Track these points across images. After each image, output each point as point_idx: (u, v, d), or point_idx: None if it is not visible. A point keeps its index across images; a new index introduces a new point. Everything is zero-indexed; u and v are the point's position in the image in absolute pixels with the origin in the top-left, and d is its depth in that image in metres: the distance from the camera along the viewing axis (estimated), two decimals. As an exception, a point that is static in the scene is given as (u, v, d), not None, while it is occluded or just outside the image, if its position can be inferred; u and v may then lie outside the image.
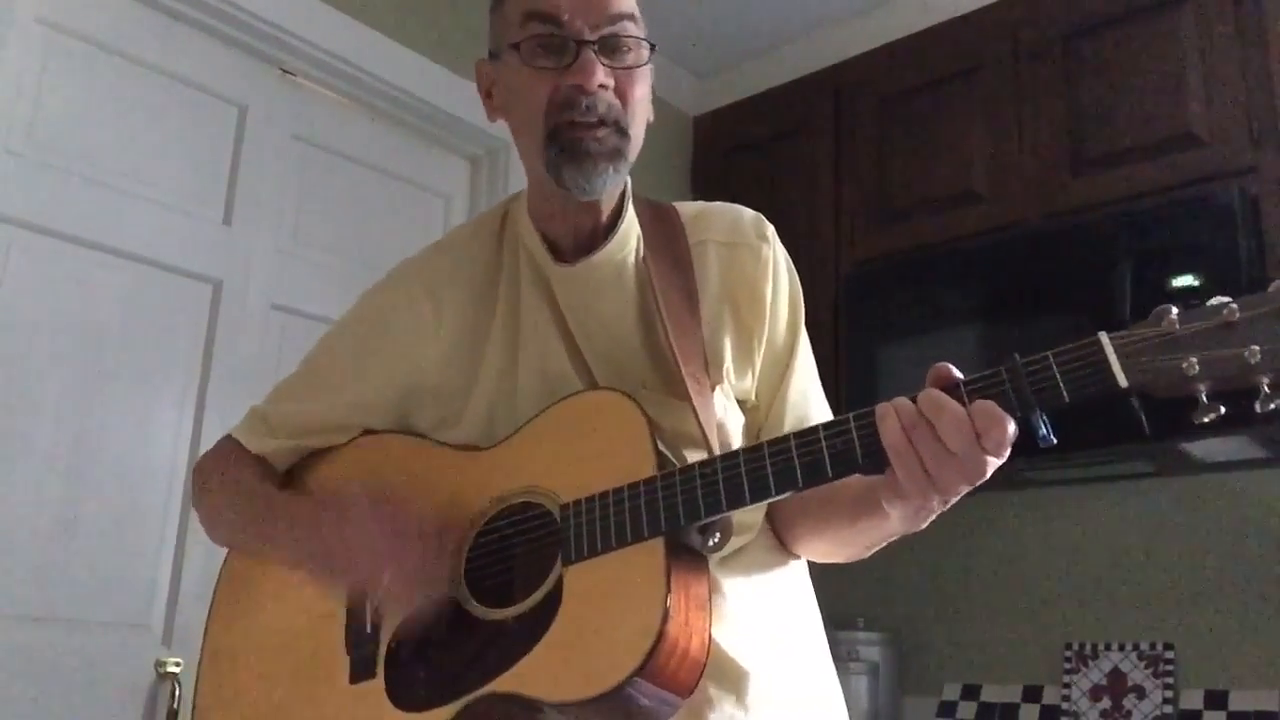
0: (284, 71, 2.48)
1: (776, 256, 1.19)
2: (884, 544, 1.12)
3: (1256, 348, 0.78)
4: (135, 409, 2.13)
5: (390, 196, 2.67)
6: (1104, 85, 2.45)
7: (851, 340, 2.63)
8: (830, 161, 2.89)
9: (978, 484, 0.88)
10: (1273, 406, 0.77)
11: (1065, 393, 0.83)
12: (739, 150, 3.17)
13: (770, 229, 1.21)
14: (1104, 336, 0.82)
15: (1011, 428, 0.84)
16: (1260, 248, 2.14)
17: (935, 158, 2.70)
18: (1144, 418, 2.06)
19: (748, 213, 1.23)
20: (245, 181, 2.37)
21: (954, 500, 0.91)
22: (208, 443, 2.15)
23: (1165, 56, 2.37)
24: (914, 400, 0.88)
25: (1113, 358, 0.82)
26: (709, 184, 3.19)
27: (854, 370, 2.59)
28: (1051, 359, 0.84)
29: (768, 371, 1.18)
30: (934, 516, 0.96)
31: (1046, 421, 0.84)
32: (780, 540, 1.19)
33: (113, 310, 2.12)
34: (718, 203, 1.25)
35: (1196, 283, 2.13)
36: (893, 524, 1.00)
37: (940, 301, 2.57)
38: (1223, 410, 0.79)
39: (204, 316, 2.26)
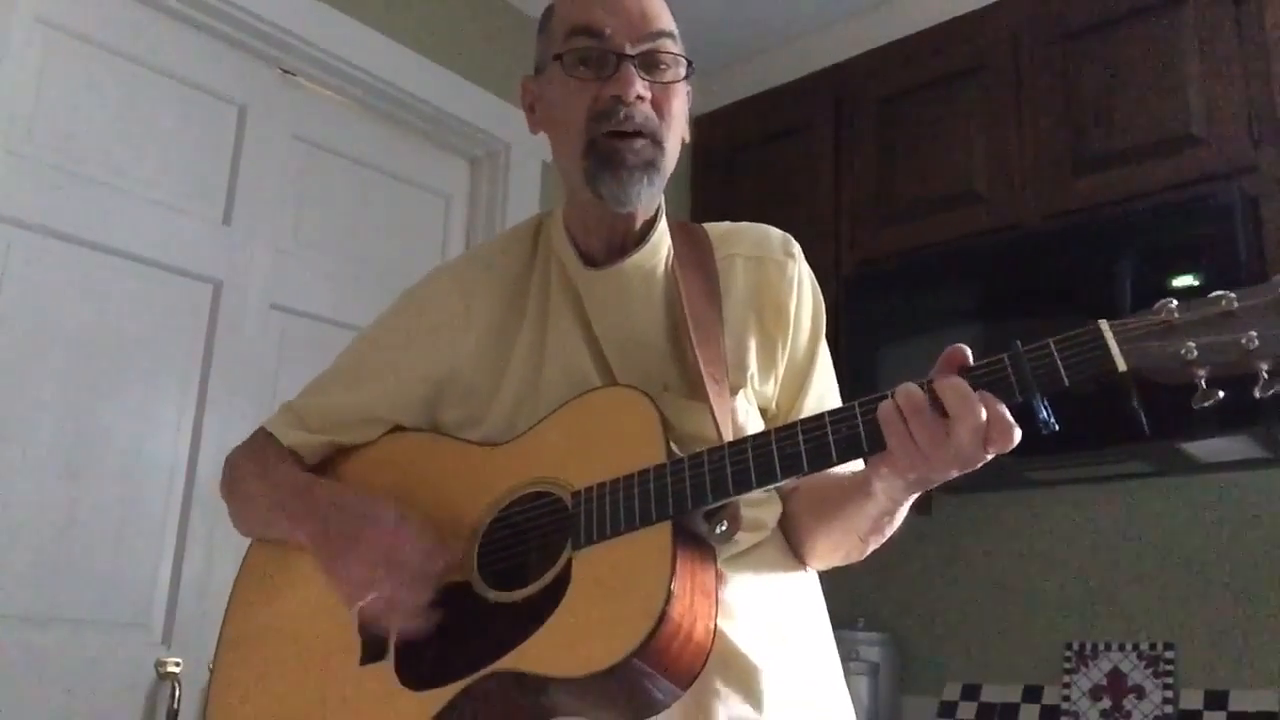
0: (284, 71, 2.49)
1: (801, 273, 1.24)
2: (879, 536, 1.13)
3: (1254, 334, 0.79)
4: (135, 409, 2.13)
5: (390, 196, 2.68)
6: (1104, 85, 2.44)
7: (851, 340, 2.63)
8: (830, 161, 2.89)
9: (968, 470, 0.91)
10: (1272, 392, 0.78)
11: (1065, 376, 0.85)
12: (739, 150, 3.16)
13: (797, 247, 1.26)
14: (1104, 323, 0.85)
15: (1017, 435, 0.88)
16: (1260, 247, 2.14)
17: (935, 158, 2.69)
18: (1144, 418, 2.06)
19: (775, 231, 1.27)
20: (245, 181, 2.38)
21: (941, 479, 0.93)
22: (208, 442, 2.19)
23: (1165, 56, 2.36)
24: (930, 387, 0.90)
25: (1112, 342, 0.84)
26: (709, 184, 3.18)
27: (854, 370, 2.59)
28: (1052, 345, 0.86)
29: (788, 381, 1.22)
30: (917, 493, 1.00)
31: (1047, 406, 0.86)
32: (789, 545, 1.20)
33: (113, 310, 2.13)
34: (745, 222, 1.29)
35: (1196, 282, 2.12)
36: (879, 501, 1.02)
37: (940, 301, 2.57)
38: (1221, 395, 0.81)
39: (204, 316, 2.27)
